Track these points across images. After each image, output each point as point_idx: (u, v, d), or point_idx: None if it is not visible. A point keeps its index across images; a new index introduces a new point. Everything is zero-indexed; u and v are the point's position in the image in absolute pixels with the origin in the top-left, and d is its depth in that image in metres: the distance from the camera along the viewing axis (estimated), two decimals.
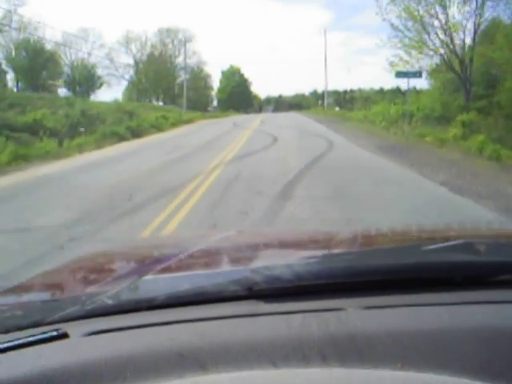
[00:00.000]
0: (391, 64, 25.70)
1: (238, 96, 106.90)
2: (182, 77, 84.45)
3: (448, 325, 0.89)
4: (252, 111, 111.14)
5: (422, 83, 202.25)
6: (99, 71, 73.08)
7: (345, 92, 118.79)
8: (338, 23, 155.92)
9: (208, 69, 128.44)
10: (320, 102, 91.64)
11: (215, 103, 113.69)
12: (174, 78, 79.34)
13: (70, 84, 69.56)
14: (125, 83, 77.34)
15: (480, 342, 0.84)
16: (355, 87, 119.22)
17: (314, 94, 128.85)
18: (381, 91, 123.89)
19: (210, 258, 1.53)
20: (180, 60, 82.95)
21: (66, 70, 71.37)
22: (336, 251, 1.51)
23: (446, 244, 1.19)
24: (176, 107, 64.75)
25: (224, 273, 1.21)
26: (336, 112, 55.18)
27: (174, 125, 35.29)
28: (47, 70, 63.28)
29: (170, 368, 0.77)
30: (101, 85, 73.50)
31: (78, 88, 69.50)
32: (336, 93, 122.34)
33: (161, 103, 78.88)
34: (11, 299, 1.29)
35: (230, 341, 0.84)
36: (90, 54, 70.79)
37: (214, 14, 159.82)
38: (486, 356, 0.80)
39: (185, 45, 55.44)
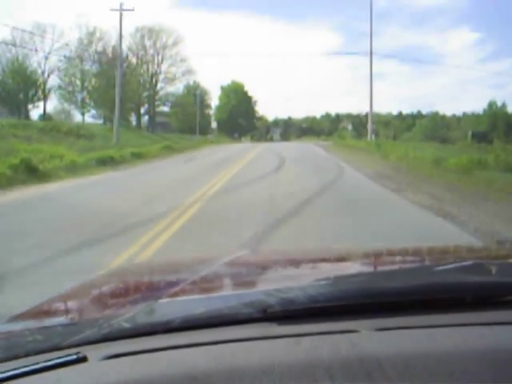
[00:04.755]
0: None
1: (239, 116, 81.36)
2: (162, 91, 59.25)
3: (460, 346, 0.85)
4: (257, 135, 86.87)
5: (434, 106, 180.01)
6: (52, 79, 46.91)
7: (359, 116, 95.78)
8: (349, 47, 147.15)
9: (207, 85, 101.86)
10: (350, 126, 64.77)
11: (214, 125, 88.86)
12: (138, 92, 52.90)
13: None
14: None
15: (493, 363, 0.79)
16: (366, 110, 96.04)
17: (327, 117, 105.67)
18: (400, 116, 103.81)
19: (223, 280, 1.48)
20: (164, 68, 57.29)
21: None
22: (348, 272, 1.46)
23: (456, 265, 1.16)
24: (132, 131, 38.93)
25: (238, 295, 1.14)
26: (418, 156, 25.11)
27: None
28: None
29: None
30: (44, 96, 46.98)
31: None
32: (350, 117, 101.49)
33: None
34: (31, 322, 1.24)
35: (243, 364, 0.81)
36: (47, 57, 44.99)
37: (221, 33, 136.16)
38: (498, 377, 0.76)
39: (120, 19, 28.37)
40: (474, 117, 73.98)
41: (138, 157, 21.48)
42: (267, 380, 0.75)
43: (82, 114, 48.07)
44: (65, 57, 44.46)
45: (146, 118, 59.86)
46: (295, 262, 1.77)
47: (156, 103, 59.78)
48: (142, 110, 57.98)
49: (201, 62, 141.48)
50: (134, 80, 52.51)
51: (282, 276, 1.54)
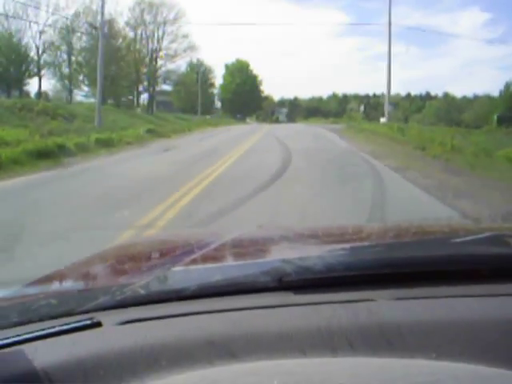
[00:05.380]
0: None
1: (244, 96, 77.16)
2: (163, 68, 54.53)
3: (479, 316, 0.85)
4: (262, 115, 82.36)
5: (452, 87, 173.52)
6: (45, 56, 42.15)
7: (367, 97, 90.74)
8: (355, 28, 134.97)
9: (211, 64, 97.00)
10: (362, 108, 59.89)
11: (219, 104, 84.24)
12: (136, 68, 48.20)
13: None
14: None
15: (510, 332, 0.80)
16: (372, 92, 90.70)
17: (334, 97, 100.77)
18: (408, 97, 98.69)
19: (239, 249, 1.46)
20: (165, 44, 52.59)
21: None
22: (366, 243, 1.44)
23: (475, 237, 1.13)
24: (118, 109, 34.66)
25: (254, 264, 1.12)
26: None
27: None
28: None
29: (202, 356, 0.75)
30: (39, 73, 42.27)
31: None
32: (358, 97, 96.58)
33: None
34: (46, 288, 1.24)
35: (260, 330, 0.80)
36: (41, 32, 40.29)
37: (228, 12, 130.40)
38: None
39: None
40: (488, 99, 69.07)
41: (103, 144, 16.48)
42: (285, 346, 0.74)
43: (70, 91, 43.37)
44: (50, 26, 39.74)
45: (146, 97, 55.28)
46: (311, 235, 1.71)
47: (156, 81, 55.22)
48: (141, 88, 53.46)
49: (205, 40, 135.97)
50: (131, 56, 47.94)
51: (298, 246, 1.48)
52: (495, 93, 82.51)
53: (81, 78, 44.18)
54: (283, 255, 1.21)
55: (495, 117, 34.36)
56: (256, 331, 0.79)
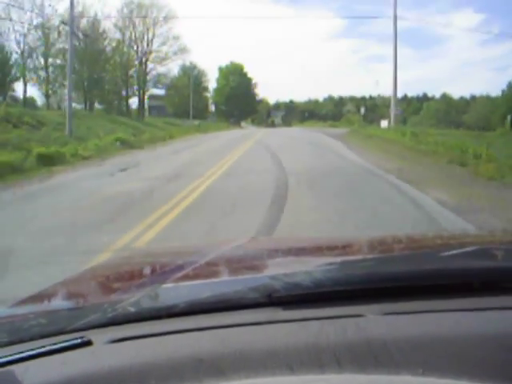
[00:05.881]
0: None
1: (239, 99, 74.11)
2: (153, 72, 51.47)
3: (467, 331, 0.84)
4: (258, 118, 79.41)
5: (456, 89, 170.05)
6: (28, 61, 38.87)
7: (364, 99, 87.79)
8: (350, 30, 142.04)
9: (205, 67, 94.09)
10: (363, 110, 56.61)
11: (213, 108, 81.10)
12: (125, 70, 45.15)
13: None
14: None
15: (499, 347, 0.78)
16: (368, 94, 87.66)
17: (331, 100, 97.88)
18: (405, 98, 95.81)
19: (228, 265, 1.45)
20: (155, 46, 49.70)
21: None
22: (354, 258, 1.44)
23: (463, 250, 1.12)
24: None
25: (243, 280, 1.11)
26: None
27: None
28: None
29: (191, 375, 0.74)
30: (17, 78, 39.05)
31: None
32: (354, 99, 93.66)
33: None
34: (35, 307, 1.23)
35: (249, 347, 0.80)
36: (25, 35, 37.05)
37: (224, 16, 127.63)
38: (505, 361, 0.75)
39: None
40: (488, 99, 66.18)
41: (48, 162, 12.81)
42: (272, 363, 0.74)
43: (46, 96, 40.11)
44: (29, 25, 36.35)
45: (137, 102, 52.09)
46: (300, 249, 1.70)
47: (147, 85, 52.18)
48: (131, 93, 50.36)
49: (198, 43, 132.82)
50: (119, 59, 44.86)
51: (287, 261, 1.48)
52: (492, 93, 79.68)
53: (60, 81, 40.91)
54: (272, 271, 1.21)
55: (509, 118, 31.22)
56: (244, 348, 0.78)
